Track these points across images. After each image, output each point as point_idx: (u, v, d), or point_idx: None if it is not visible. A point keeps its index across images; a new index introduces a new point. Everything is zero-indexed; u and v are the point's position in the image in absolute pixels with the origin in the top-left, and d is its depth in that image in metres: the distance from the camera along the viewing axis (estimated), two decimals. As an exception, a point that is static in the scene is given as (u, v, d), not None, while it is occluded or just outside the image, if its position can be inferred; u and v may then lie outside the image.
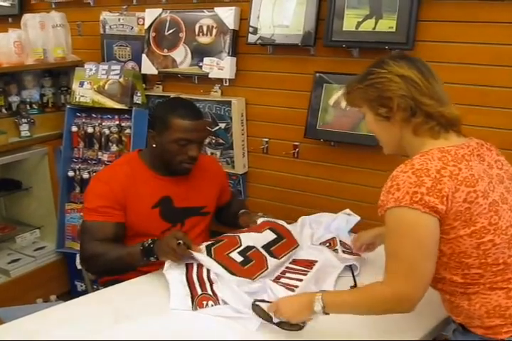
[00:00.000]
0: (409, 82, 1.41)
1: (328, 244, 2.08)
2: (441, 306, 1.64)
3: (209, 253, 1.76)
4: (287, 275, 1.85)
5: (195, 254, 1.72)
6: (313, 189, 2.47)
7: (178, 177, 2.09)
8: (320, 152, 2.63)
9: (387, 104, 1.42)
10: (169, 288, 1.69)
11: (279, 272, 1.86)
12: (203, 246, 1.80)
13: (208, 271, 1.72)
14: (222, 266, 1.73)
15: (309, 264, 1.91)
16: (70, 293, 3.17)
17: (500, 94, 1.81)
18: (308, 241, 2.09)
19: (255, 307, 1.55)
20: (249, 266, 1.77)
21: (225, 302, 1.65)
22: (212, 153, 2.88)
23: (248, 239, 1.89)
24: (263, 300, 1.58)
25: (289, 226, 2.07)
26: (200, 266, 1.73)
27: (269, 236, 1.96)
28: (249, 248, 1.84)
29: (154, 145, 2.04)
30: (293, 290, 1.72)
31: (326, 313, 1.42)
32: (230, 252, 1.80)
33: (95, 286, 2.12)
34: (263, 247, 1.88)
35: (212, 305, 1.63)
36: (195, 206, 2.15)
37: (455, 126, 1.48)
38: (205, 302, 1.63)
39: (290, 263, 1.93)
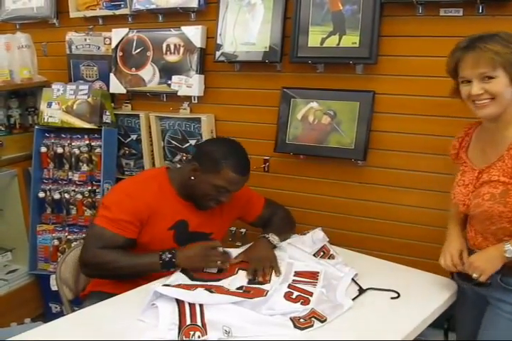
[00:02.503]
0: None
1: (322, 253, 2.14)
2: (419, 309, 1.72)
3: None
4: (298, 285, 1.88)
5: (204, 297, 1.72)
6: (284, 202, 2.50)
7: None
8: (290, 165, 2.68)
9: None
10: (158, 315, 1.65)
11: (287, 286, 1.88)
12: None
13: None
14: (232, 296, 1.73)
15: (313, 275, 1.95)
16: (44, 316, 3.13)
17: (460, 105, 1.89)
18: (298, 254, 2.11)
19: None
20: (253, 293, 1.78)
21: (227, 330, 1.62)
22: (183, 170, 2.90)
23: (232, 283, 1.87)
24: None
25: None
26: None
27: (243, 274, 1.95)
28: (240, 287, 1.84)
29: (192, 178, 2.04)
30: (310, 296, 1.81)
31: None
32: (229, 290, 1.81)
33: (75, 308, 2.10)
34: (249, 283, 1.88)
35: (199, 337, 1.59)
36: (205, 232, 2.16)
37: None
38: (192, 333, 1.60)
39: (294, 275, 1.95)
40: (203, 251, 1.93)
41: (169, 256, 1.90)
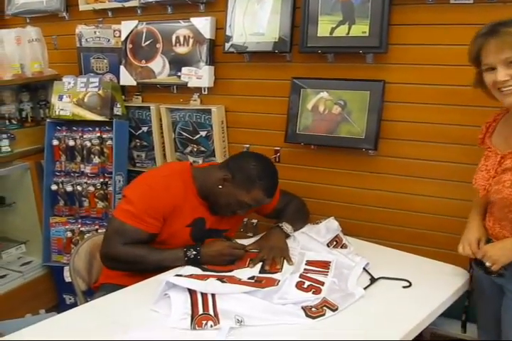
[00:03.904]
0: None
1: (335, 243, 2.16)
2: (431, 298, 1.73)
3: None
4: (309, 275, 1.90)
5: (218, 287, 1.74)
6: (295, 192, 2.51)
7: None
8: (301, 156, 2.68)
9: None
10: (171, 305, 1.67)
11: (298, 276, 1.89)
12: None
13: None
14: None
15: (325, 265, 1.96)
16: (58, 307, 3.15)
17: (471, 94, 1.87)
18: (310, 243, 2.13)
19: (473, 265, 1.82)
20: (264, 282, 1.79)
21: (239, 320, 1.62)
22: (194, 161, 2.91)
23: (243, 273, 1.88)
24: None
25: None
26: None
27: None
28: (252, 277, 1.85)
29: (220, 187, 2.05)
30: (322, 285, 1.82)
31: None
32: (240, 280, 1.81)
33: (89, 298, 2.12)
34: (260, 273, 1.89)
35: (211, 326, 1.60)
36: (221, 229, 2.19)
37: None
38: (204, 322, 1.61)
39: (306, 264, 1.97)
40: (226, 251, 1.96)
41: (194, 253, 1.94)
